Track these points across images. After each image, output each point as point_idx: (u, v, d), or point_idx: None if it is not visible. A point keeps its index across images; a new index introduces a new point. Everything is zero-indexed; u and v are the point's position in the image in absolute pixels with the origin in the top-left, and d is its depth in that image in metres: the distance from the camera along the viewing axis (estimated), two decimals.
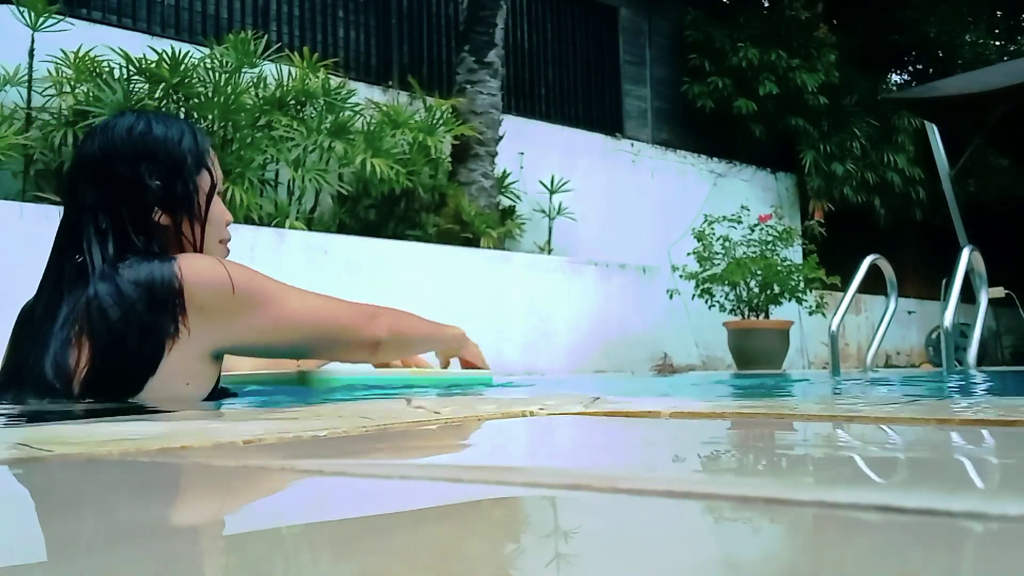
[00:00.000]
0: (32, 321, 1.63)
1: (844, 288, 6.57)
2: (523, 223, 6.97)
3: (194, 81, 5.03)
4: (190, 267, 1.52)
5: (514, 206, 6.98)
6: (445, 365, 2.24)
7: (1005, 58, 11.77)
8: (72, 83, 4.86)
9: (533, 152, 7.61)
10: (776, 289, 6.44)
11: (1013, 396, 2.44)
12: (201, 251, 1.66)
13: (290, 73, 5.68)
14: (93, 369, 1.49)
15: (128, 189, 1.58)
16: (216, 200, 1.72)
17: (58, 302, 1.55)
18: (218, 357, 1.62)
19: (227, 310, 1.55)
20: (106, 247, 1.54)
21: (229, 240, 1.78)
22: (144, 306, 1.48)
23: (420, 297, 5.27)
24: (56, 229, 1.67)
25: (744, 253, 6.59)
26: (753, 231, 6.77)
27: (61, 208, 1.66)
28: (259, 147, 5.24)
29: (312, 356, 1.83)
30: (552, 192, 7.19)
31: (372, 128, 5.83)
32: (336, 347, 1.77)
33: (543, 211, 7.21)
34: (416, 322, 1.98)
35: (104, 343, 1.49)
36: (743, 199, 8.10)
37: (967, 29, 12.01)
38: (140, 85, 4.95)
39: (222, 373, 1.67)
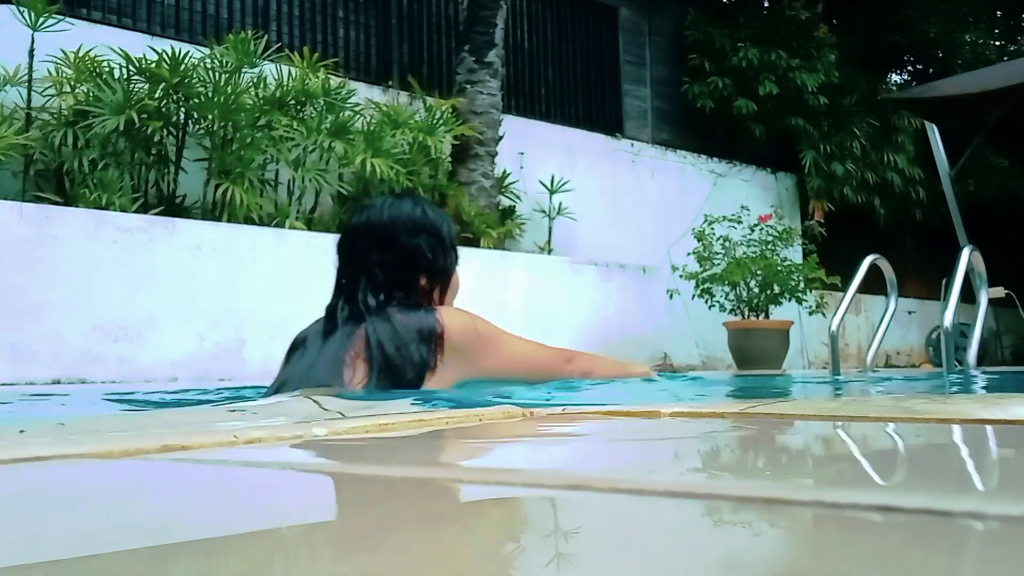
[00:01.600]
0: (305, 344, 2.05)
1: (844, 288, 6.56)
2: (523, 223, 6.96)
3: (194, 81, 5.03)
4: (448, 317, 1.97)
5: (514, 206, 6.98)
6: None
7: (1005, 58, 11.77)
8: (72, 83, 4.85)
9: (533, 152, 7.61)
10: (776, 289, 6.44)
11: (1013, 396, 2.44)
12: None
13: (290, 73, 5.68)
14: (367, 388, 1.83)
15: (407, 255, 2.04)
16: (456, 273, 2.18)
17: (333, 331, 1.97)
18: (456, 386, 2.00)
19: (471, 350, 1.97)
20: (377, 295, 1.98)
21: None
22: (415, 344, 1.90)
23: None
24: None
25: (744, 253, 6.59)
26: (753, 231, 6.76)
27: (336, 256, 2.12)
28: (259, 147, 5.23)
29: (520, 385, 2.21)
30: (552, 192, 7.19)
31: (372, 128, 5.82)
32: (540, 381, 2.20)
33: (543, 211, 7.21)
34: (605, 363, 2.43)
35: (381, 368, 1.86)
36: (743, 199, 8.11)
37: (967, 29, 12.00)
38: (140, 85, 4.95)
39: None
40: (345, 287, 2.05)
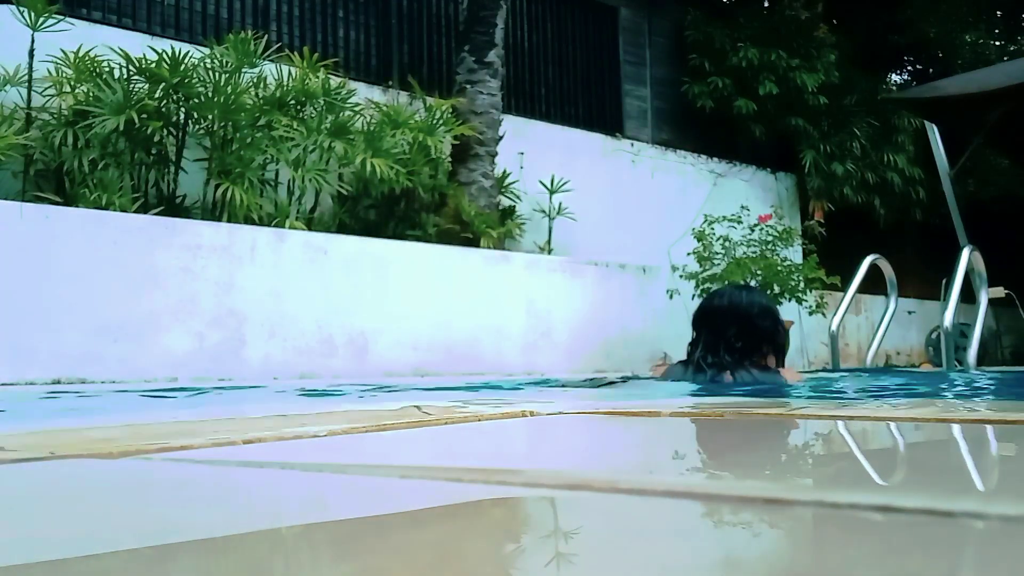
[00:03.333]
0: (678, 374, 3.10)
1: (844, 288, 6.56)
2: (523, 223, 6.96)
3: (194, 81, 5.02)
4: (787, 375, 2.98)
5: (514, 206, 6.97)
6: None
7: (1005, 58, 11.77)
8: (72, 83, 4.85)
9: (533, 152, 7.60)
10: (776, 289, 6.44)
11: (1012, 396, 2.44)
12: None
13: (290, 73, 5.67)
14: None
15: (758, 331, 3.03)
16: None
17: (703, 371, 2.98)
18: None
19: None
20: (733, 355, 2.97)
21: None
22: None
23: (420, 297, 5.27)
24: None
25: (744, 253, 6.59)
26: (753, 231, 6.76)
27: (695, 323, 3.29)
28: (259, 147, 5.23)
29: None
30: (552, 192, 7.19)
31: (372, 128, 5.82)
32: None
33: (543, 211, 7.20)
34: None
35: None
36: (743, 199, 8.10)
37: (967, 29, 12.00)
38: (140, 85, 4.94)
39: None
40: (707, 346, 3.05)
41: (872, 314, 9.99)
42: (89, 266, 4.12)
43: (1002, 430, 1.04)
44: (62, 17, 4.87)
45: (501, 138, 6.78)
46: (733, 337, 2.96)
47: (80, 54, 4.89)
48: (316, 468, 0.81)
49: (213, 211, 5.11)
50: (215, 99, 5.04)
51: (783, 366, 3.10)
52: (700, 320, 3.15)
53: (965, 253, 5.56)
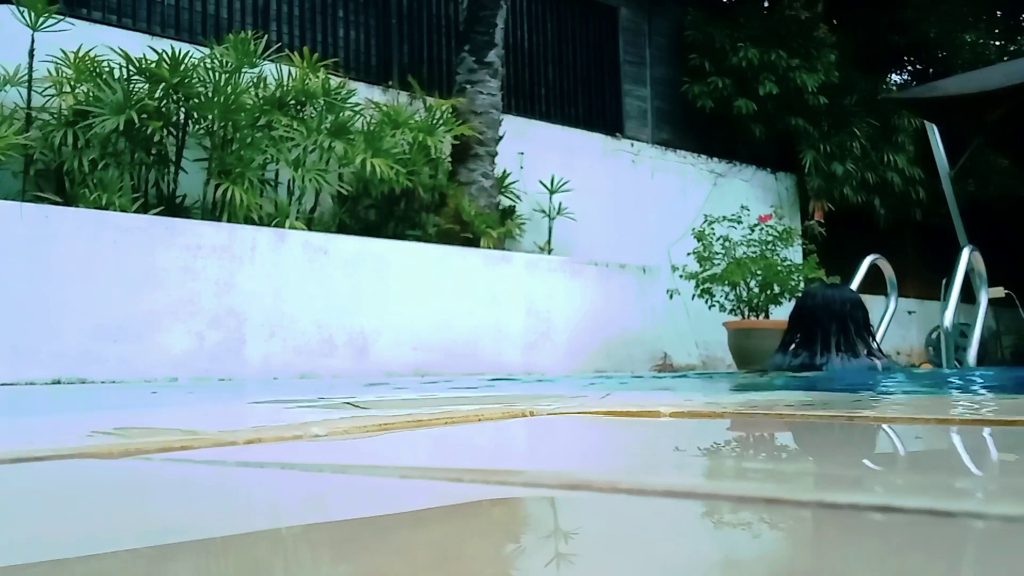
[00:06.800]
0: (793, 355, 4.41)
1: None
2: (523, 223, 6.96)
3: (194, 81, 5.02)
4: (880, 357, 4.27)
5: (514, 206, 6.97)
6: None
7: (1005, 58, 11.77)
8: (72, 83, 4.85)
9: (533, 152, 7.60)
10: (776, 289, 6.44)
11: (1013, 395, 2.44)
12: None
13: (290, 73, 5.67)
14: None
15: (848, 320, 3.94)
16: None
17: (812, 366, 4.09)
18: None
19: None
20: (835, 342, 3.90)
21: None
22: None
23: (420, 297, 5.26)
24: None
25: (744, 253, 6.59)
26: (753, 231, 6.76)
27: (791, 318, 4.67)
28: (259, 147, 5.23)
29: None
30: (552, 192, 7.19)
31: (372, 128, 5.82)
32: None
33: (543, 211, 7.20)
34: None
35: None
36: (743, 199, 8.10)
37: (967, 29, 11.99)
38: (140, 85, 4.94)
39: None
40: (817, 337, 3.84)
41: (872, 314, 9.99)
42: (89, 266, 4.12)
43: (1002, 431, 1.04)
44: (62, 17, 4.87)
45: (501, 138, 6.78)
46: (833, 327, 3.78)
47: (80, 54, 4.89)
48: (316, 468, 0.81)
49: (213, 211, 5.10)
50: (215, 99, 5.04)
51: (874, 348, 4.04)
52: (801, 314, 3.87)
53: (965, 253, 5.56)
